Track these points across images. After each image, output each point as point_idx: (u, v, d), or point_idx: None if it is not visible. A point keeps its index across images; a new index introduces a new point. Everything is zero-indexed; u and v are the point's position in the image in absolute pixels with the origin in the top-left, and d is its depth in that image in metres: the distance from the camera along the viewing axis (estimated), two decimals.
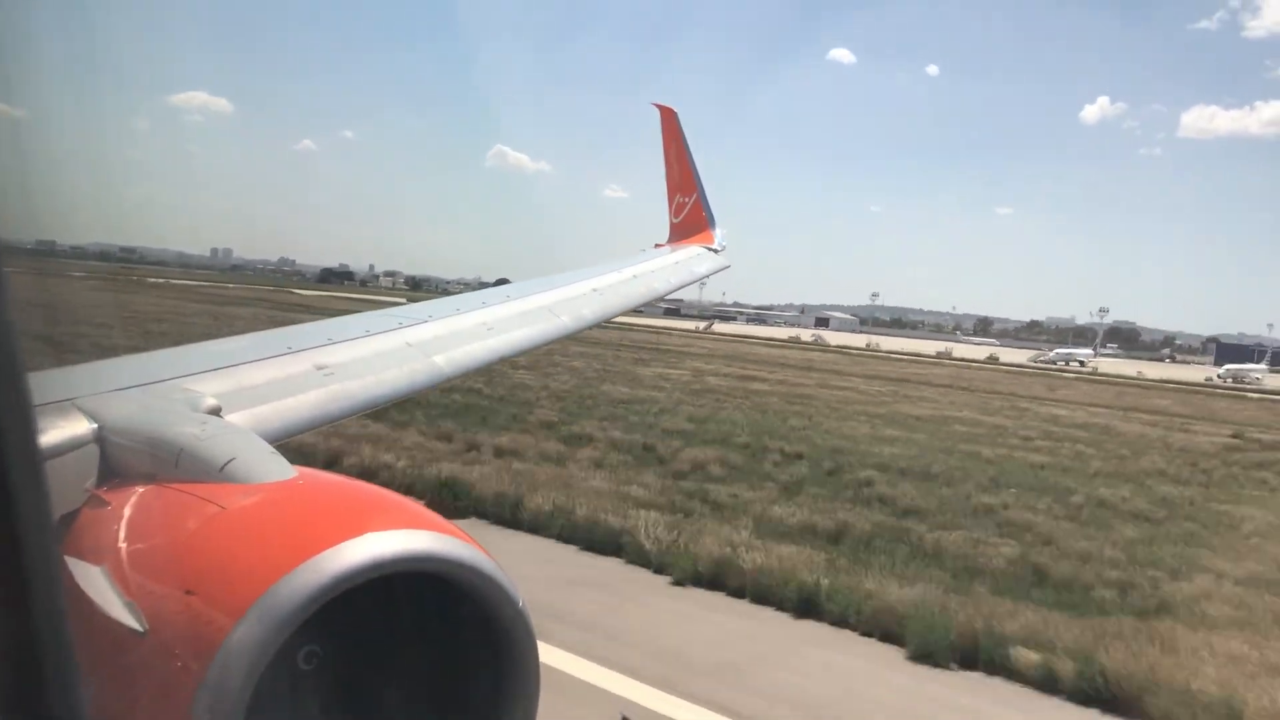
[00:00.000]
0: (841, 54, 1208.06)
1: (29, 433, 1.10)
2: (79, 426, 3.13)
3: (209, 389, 3.73)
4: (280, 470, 2.73)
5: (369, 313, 5.85)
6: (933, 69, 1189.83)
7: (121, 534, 2.60)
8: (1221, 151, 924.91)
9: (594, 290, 8.78)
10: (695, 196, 12.62)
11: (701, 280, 11.80)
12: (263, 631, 2.10)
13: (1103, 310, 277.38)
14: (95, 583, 2.37)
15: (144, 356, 4.34)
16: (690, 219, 12.58)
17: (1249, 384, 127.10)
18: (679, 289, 11.07)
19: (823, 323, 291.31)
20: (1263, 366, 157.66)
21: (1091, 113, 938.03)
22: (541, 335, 7.29)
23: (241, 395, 3.93)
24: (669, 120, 13.15)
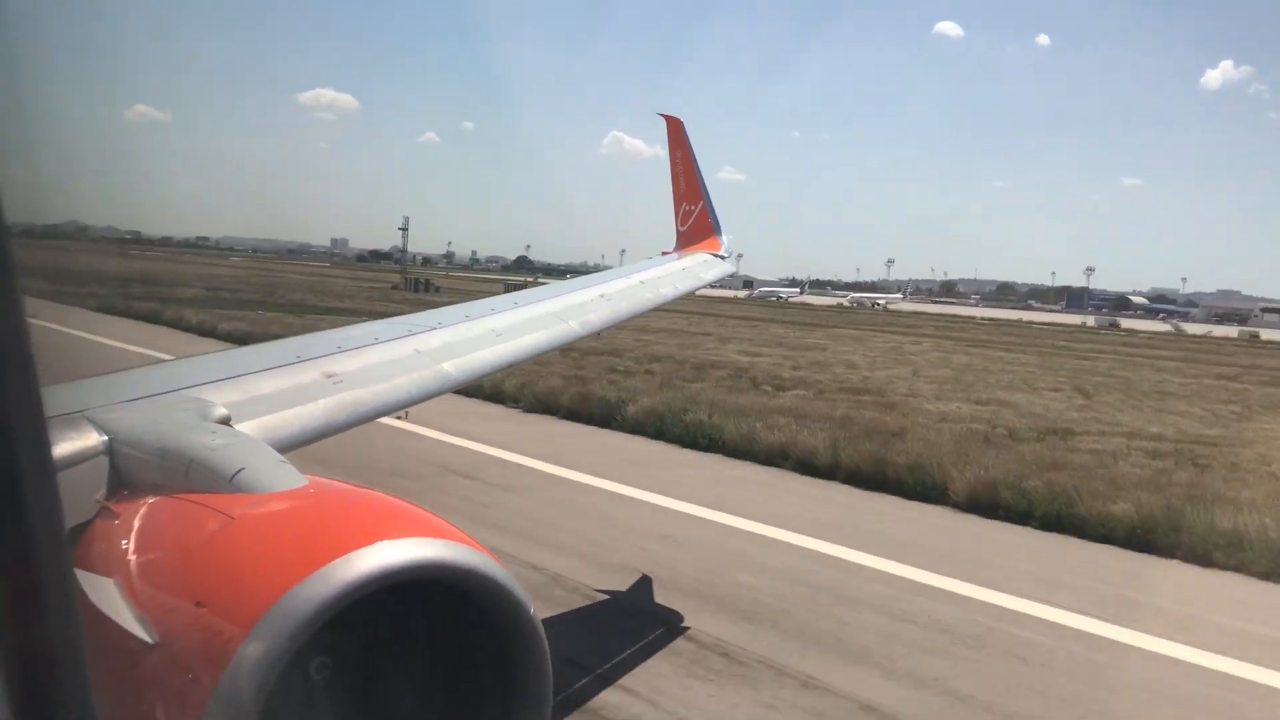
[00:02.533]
0: (948, 27, 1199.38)
1: (42, 445, 1.10)
2: (90, 439, 3.14)
3: (219, 398, 3.74)
4: (290, 479, 2.73)
5: (378, 321, 5.85)
6: (1043, 39, 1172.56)
7: (132, 545, 2.60)
8: None
9: (601, 296, 8.82)
10: (701, 205, 12.74)
11: (709, 285, 11.90)
12: (274, 643, 2.09)
13: (1089, 270, 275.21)
14: (106, 595, 2.37)
15: (154, 367, 4.35)
16: (696, 227, 12.69)
17: None
18: (685, 294, 11.15)
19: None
20: None
21: (1213, 77, 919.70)
22: (550, 340, 7.31)
23: (251, 404, 3.94)
24: (675, 130, 13.25)
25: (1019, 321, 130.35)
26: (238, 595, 2.22)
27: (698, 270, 11.51)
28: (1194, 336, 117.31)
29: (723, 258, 12.11)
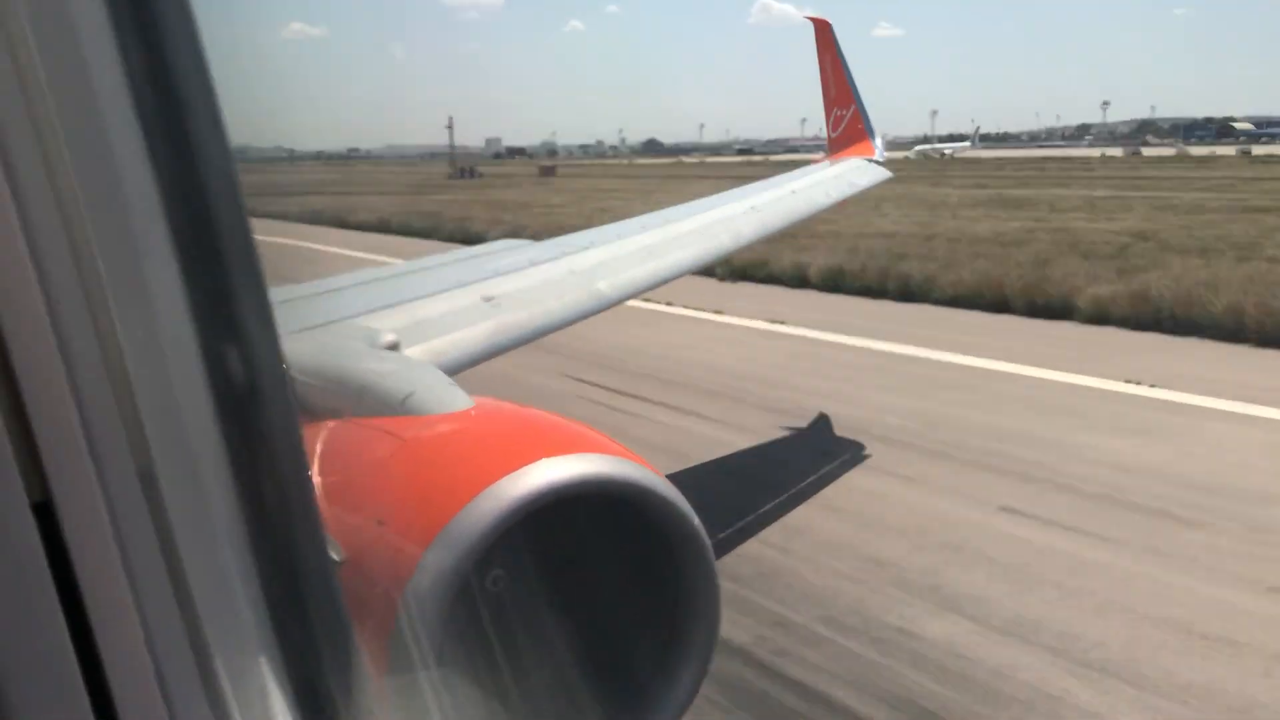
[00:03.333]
0: None
1: (279, 358, 1.13)
2: None
3: (386, 324, 3.85)
4: (459, 401, 2.79)
5: (535, 244, 5.92)
6: None
7: (316, 469, 2.72)
8: None
9: (752, 208, 8.66)
10: (853, 108, 12.35)
11: (861, 191, 11.57)
12: (451, 558, 2.15)
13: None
14: None
15: (323, 296, 4.53)
16: (849, 131, 12.31)
17: None
18: (839, 201, 10.86)
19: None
20: None
21: None
22: (702, 256, 7.23)
23: (417, 329, 4.05)
24: (824, 33, 12.78)
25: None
26: (415, 514, 2.29)
27: (851, 176, 11.17)
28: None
29: (878, 162, 11.73)
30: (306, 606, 1.12)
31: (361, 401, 2.97)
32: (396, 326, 3.90)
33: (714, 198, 9.10)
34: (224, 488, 1.00)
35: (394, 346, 3.63)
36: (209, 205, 1.00)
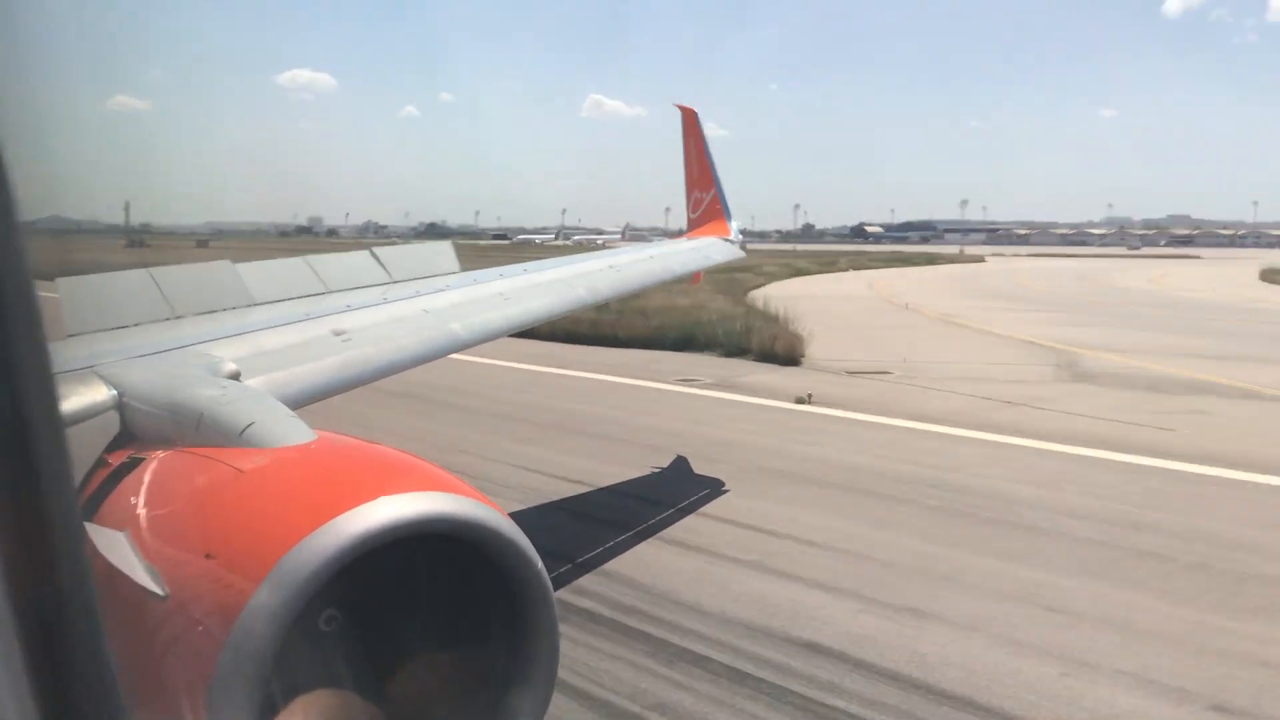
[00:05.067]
0: None
1: (51, 400, 1.09)
2: (99, 393, 3.14)
3: (228, 354, 3.73)
4: (300, 434, 2.73)
5: (388, 284, 5.84)
6: None
7: (142, 499, 2.60)
8: None
9: (610, 267, 8.86)
10: (713, 192, 12.99)
11: (715, 265, 12.15)
12: (283, 595, 2.09)
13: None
14: (118, 547, 2.37)
15: (163, 324, 4.35)
16: (708, 213, 12.93)
17: None
18: (694, 271, 11.45)
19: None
20: None
21: (1174, 5, 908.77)
22: (558, 305, 7.31)
23: (260, 360, 3.93)
24: (690, 120, 13.39)
25: None
26: (248, 548, 2.22)
27: (707, 251, 11.71)
28: None
29: (732, 242, 12.25)
30: (64, 649, 1.08)
31: (199, 431, 2.86)
32: (239, 356, 3.78)
33: (575, 255, 9.32)
34: None
35: (235, 376, 3.52)
36: None
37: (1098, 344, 26.57)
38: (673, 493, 11.47)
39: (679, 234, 13.72)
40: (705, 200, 12.98)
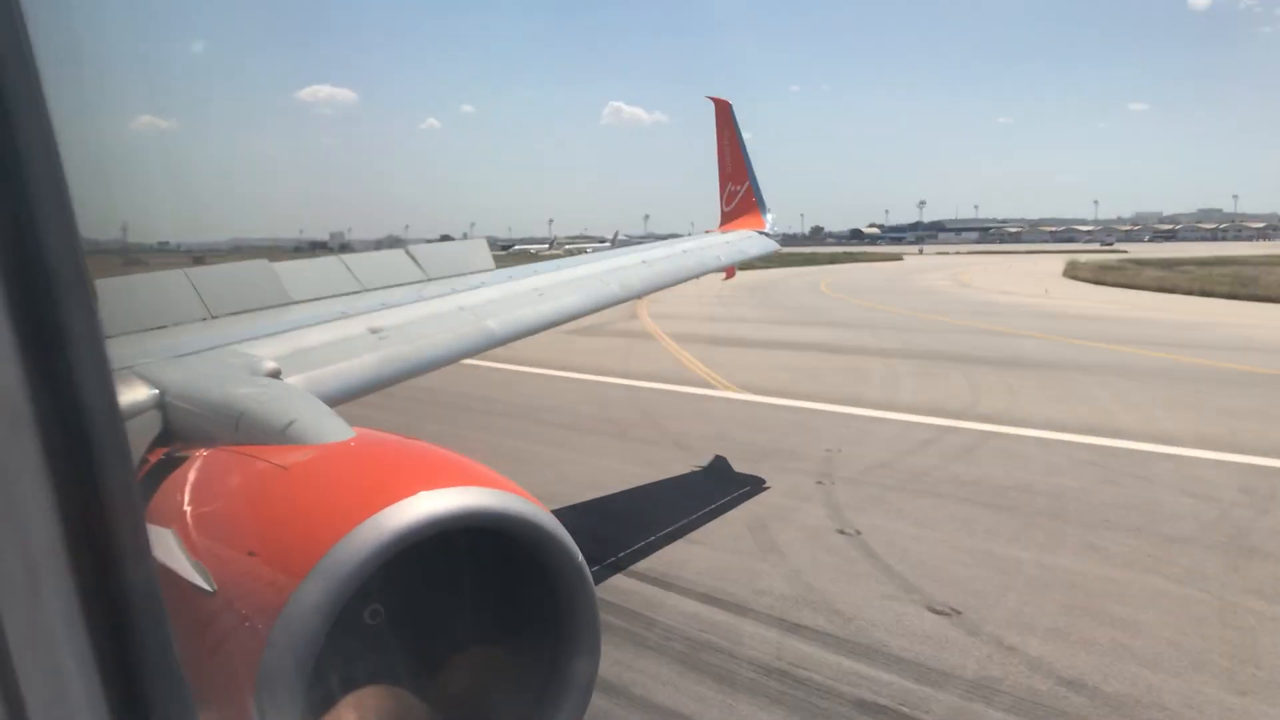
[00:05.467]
0: None
1: (112, 401, 1.09)
2: (141, 392, 3.16)
3: (267, 352, 3.75)
4: (339, 431, 2.73)
5: (424, 282, 5.86)
6: None
7: (187, 497, 2.61)
8: None
9: (643, 262, 8.85)
10: (747, 184, 12.88)
11: (750, 258, 12.04)
12: (326, 591, 2.09)
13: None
14: (165, 544, 2.38)
15: (202, 324, 4.38)
16: (741, 206, 12.84)
17: None
18: (728, 265, 11.36)
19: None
20: None
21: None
22: (592, 301, 7.29)
23: (298, 358, 3.95)
24: (723, 112, 13.27)
25: None
26: (290, 545, 2.22)
27: (742, 244, 11.62)
28: None
29: (767, 234, 12.17)
30: (133, 644, 1.08)
31: (239, 429, 2.87)
32: (278, 354, 3.80)
33: (609, 250, 9.31)
34: (48, 527, 0.97)
35: (275, 374, 3.54)
36: (38, 235, 0.99)
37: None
38: None
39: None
40: (739, 193, 12.89)
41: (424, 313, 5.10)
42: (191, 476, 2.71)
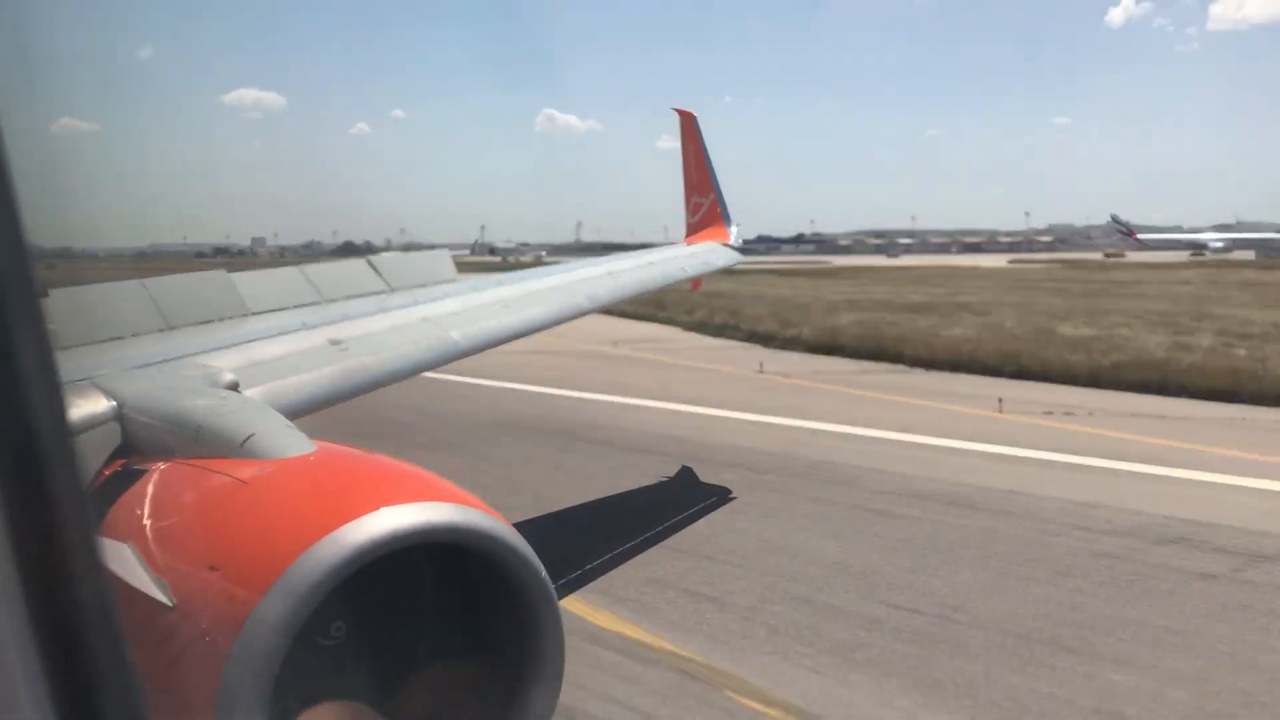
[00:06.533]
0: None
1: (60, 412, 1.08)
2: (98, 404, 3.12)
3: (226, 364, 3.71)
4: (299, 444, 2.71)
5: (388, 293, 5.82)
6: None
7: (146, 510, 2.58)
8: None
9: (609, 274, 8.88)
10: (712, 197, 12.93)
11: (715, 269, 12.08)
12: (287, 606, 2.07)
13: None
14: (122, 559, 2.35)
15: (160, 335, 4.33)
16: (706, 218, 12.87)
17: None
18: (693, 276, 11.40)
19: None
20: None
21: (1116, 15, 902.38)
22: (557, 313, 7.29)
23: (258, 370, 3.91)
24: (688, 124, 13.30)
25: None
26: (251, 559, 2.20)
27: (706, 256, 11.68)
28: None
29: (731, 246, 12.23)
30: (85, 661, 1.07)
31: (199, 442, 2.84)
32: (237, 366, 3.77)
33: (573, 262, 9.32)
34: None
35: (234, 387, 3.50)
36: None
37: None
38: None
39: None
40: (705, 205, 12.93)
41: (386, 324, 5.07)
42: (150, 490, 2.68)
